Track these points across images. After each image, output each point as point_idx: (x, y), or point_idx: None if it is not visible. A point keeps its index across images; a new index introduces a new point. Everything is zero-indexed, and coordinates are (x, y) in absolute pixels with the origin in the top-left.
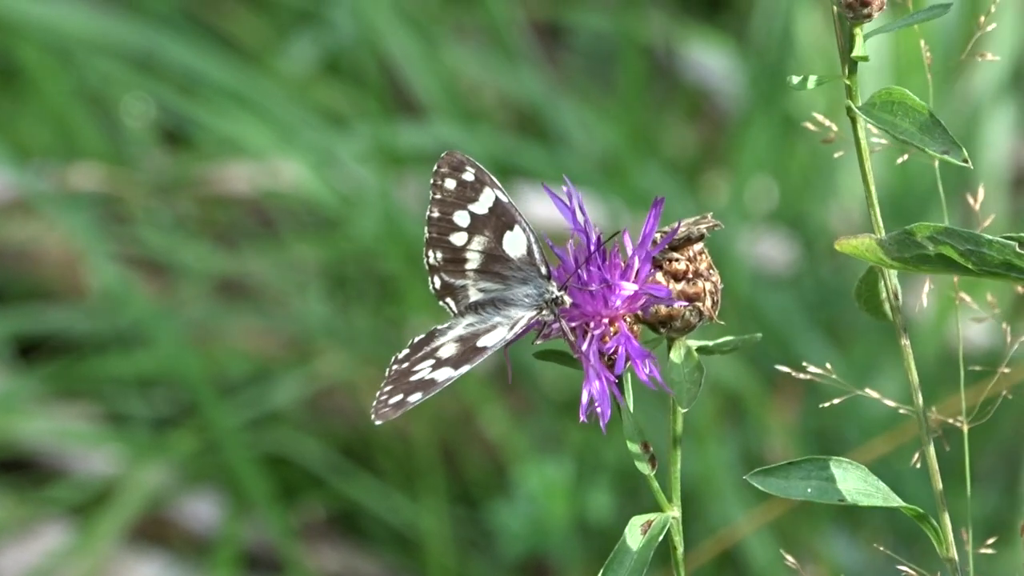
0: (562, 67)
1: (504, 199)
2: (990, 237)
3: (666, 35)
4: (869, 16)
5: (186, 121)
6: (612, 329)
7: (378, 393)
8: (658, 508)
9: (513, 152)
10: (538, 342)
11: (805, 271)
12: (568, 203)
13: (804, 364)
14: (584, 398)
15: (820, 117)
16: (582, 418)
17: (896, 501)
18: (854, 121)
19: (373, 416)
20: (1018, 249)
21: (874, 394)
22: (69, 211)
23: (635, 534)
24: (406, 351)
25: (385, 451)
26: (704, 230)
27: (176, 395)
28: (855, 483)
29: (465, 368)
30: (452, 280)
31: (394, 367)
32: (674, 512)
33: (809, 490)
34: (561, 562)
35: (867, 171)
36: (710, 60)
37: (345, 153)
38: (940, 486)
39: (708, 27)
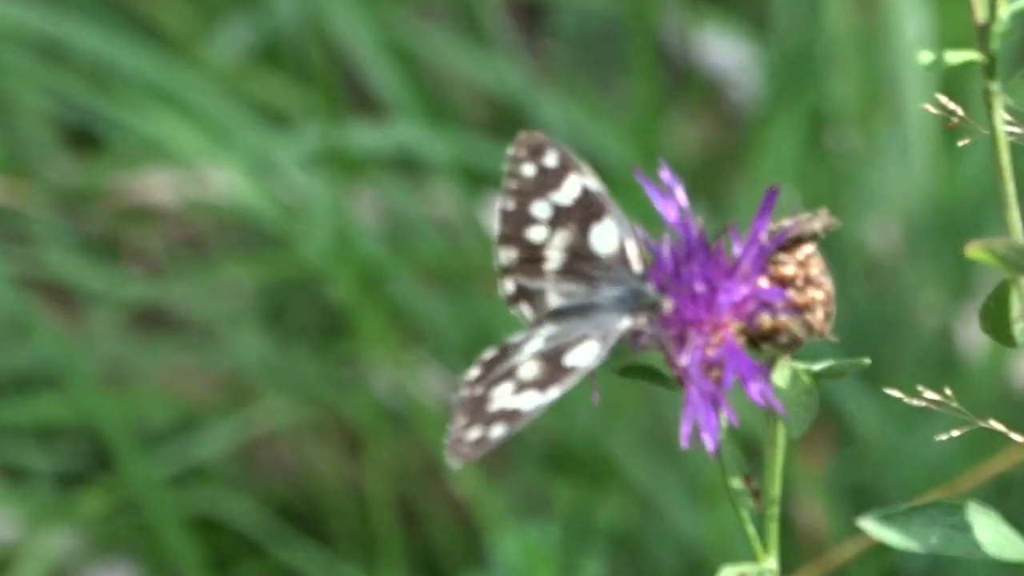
0: (544, 55)
1: (593, 187)
2: None
3: (673, 16)
4: None
5: (99, 121)
6: (715, 339)
7: (451, 428)
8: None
9: (490, 155)
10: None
11: (836, 295)
12: (665, 192)
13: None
14: (687, 421)
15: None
16: (684, 444)
17: None
18: (990, 106)
19: (449, 457)
20: None
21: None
22: None
23: None
24: (477, 372)
25: (334, 512)
26: (818, 229)
27: (86, 446)
28: (988, 533)
29: (555, 392)
30: (528, 283)
31: (465, 393)
32: (771, 563)
33: (934, 540)
34: None
35: (1004, 165)
36: (724, 47)
37: (288, 157)
38: None
39: (721, 10)
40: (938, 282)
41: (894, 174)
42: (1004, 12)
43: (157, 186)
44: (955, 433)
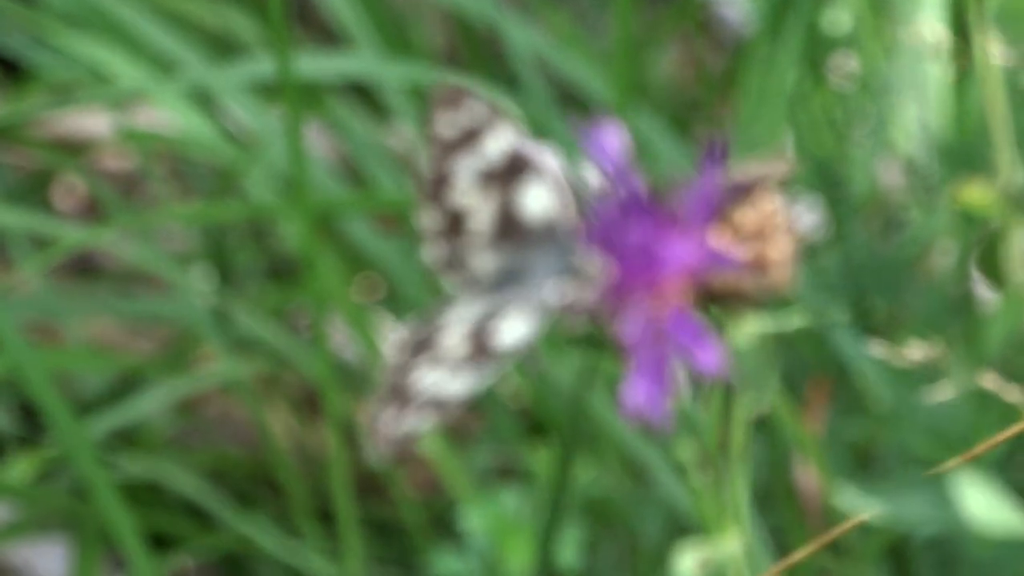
0: None
1: (522, 142)
2: None
3: None
4: None
5: (28, 49)
6: (661, 304)
7: (372, 417)
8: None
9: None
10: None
11: (835, 242)
12: (606, 142)
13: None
14: (632, 393)
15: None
16: (627, 419)
17: None
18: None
19: (373, 455)
20: None
21: None
22: None
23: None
24: (398, 352)
25: (288, 477)
26: (774, 177)
27: (13, 409)
28: (980, 508)
29: (486, 372)
30: (453, 249)
31: (389, 376)
32: (733, 543)
33: (919, 513)
34: None
35: (995, 99)
36: None
37: (235, 88)
38: None
39: None
40: (951, 222)
41: (901, 106)
42: None
43: (91, 119)
44: (955, 392)
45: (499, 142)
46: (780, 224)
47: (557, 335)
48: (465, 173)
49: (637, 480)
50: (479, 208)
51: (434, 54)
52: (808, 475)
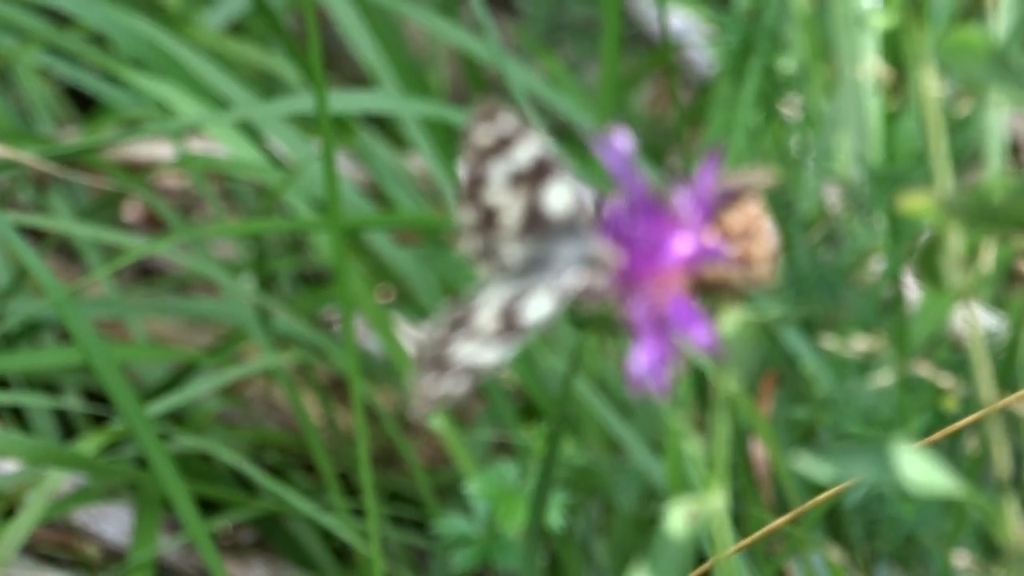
0: (519, 28)
1: (547, 150)
2: None
3: None
4: None
5: (103, 87)
6: (662, 290)
7: (414, 381)
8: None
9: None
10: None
11: (792, 248)
12: (616, 149)
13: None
14: (636, 366)
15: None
16: (632, 390)
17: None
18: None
19: (412, 412)
20: None
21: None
22: None
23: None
24: (437, 328)
25: (317, 449)
26: (759, 184)
27: (87, 393)
28: (914, 470)
29: (511, 345)
30: (487, 242)
31: (429, 348)
32: (717, 500)
33: (862, 474)
34: (516, 571)
35: (932, 123)
36: (687, 17)
37: (277, 120)
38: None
39: None
40: (886, 234)
41: (844, 135)
42: None
43: (155, 146)
44: (887, 380)
45: (527, 149)
46: (763, 226)
47: (572, 315)
48: (497, 176)
49: (614, 454)
50: (509, 205)
51: (446, 92)
52: (760, 450)
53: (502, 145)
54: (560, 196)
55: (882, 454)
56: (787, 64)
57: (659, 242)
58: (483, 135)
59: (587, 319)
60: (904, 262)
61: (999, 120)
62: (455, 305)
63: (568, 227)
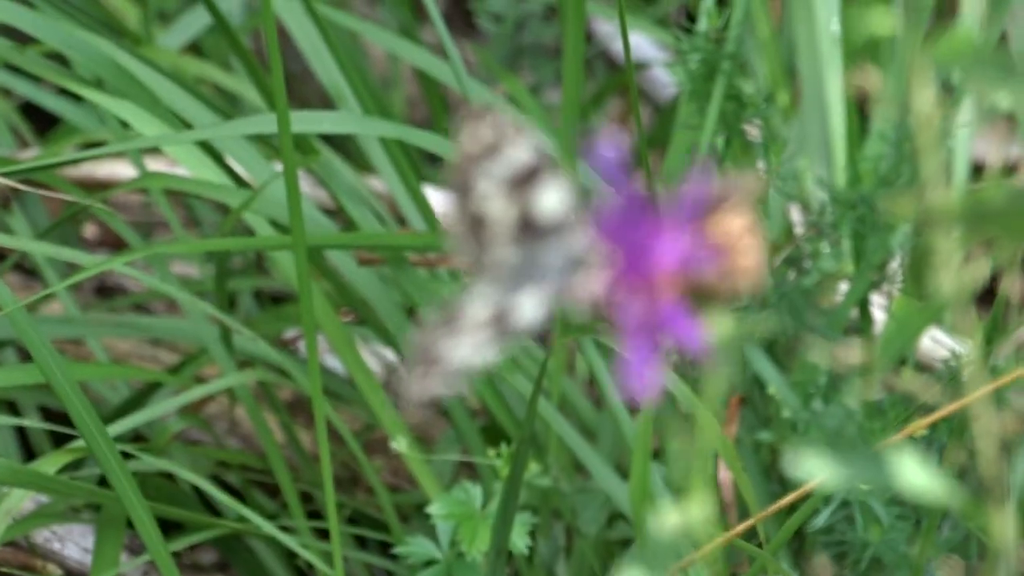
0: (481, 51)
1: (538, 152)
2: None
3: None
4: None
5: (63, 107)
6: (654, 294)
7: (407, 376)
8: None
9: (428, 142)
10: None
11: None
12: (607, 156)
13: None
14: (623, 374)
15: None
16: (619, 395)
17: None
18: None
19: (404, 404)
20: None
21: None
22: None
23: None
24: (430, 329)
25: (280, 468)
26: (745, 192)
27: (48, 412)
28: (915, 476)
29: (505, 346)
30: (476, 245)
31: (418, 347)
32: (700, 509)
33: (867, 478)
34: None
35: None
36: (649, 44)
37: (239, 140)
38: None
39: (648, 10)
40: (854, 257)
41: (808, 157)
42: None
43: (117, 165)
44: (855, 402)
45: (518, 153)
46: (751, 237)
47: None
48: (487, 181)
49: (578, 475)
50: (500, 210)
51: (407, 113)
52: (725, 471)
53: (493, 148)
54: (551, 200)
55: (878, 458)
56: (749, 86)
57: (651, 247)
58: (472, 138)
59: (576, 326)
60: (870, 284)
61: (964, 142)
62: (446, 308)
63: (558, 231)
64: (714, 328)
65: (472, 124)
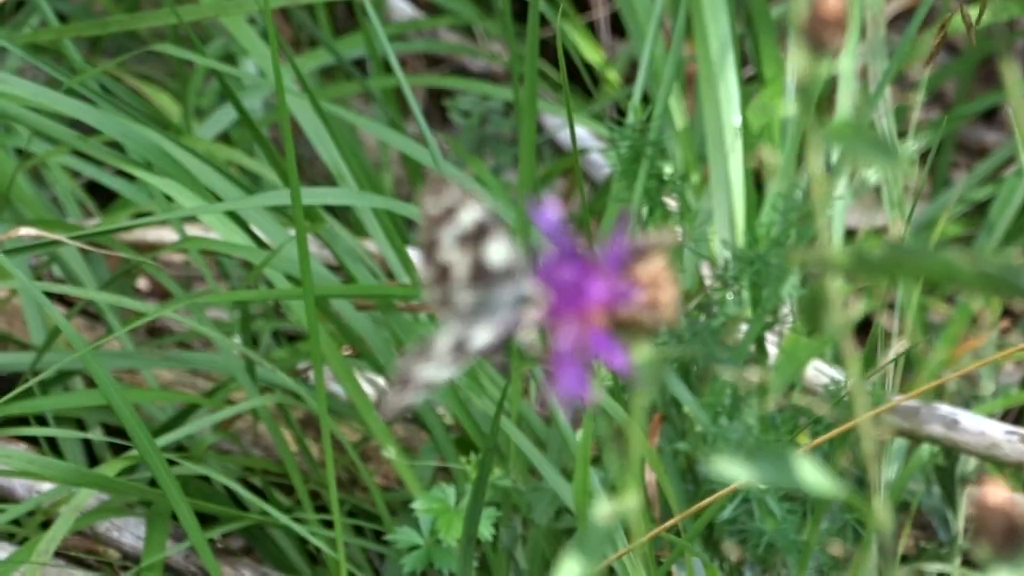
0: (451, 136)
1: (486, 213)
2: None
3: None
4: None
5: (119, 184)
6: (585, 326)
7: (385, 395)
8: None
9: (414, 213)
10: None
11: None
12: (547, 215)
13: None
14: (562, 387)
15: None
16: (560, 410)
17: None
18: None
19: (381, 415)
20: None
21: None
22: (12, 266)
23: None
24: (404, 360)
25: (293, 473)
26: (662, 243)
27: (108, 428)
28: (812, 475)
29: (462, 367)
30: (443, 292)
31: (396, 374)
32: (632, 501)
33: (768, 476)
34: (454, 573)
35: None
36: (586, 131)
37: (260, 210)
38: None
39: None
40: (752, 303)
41: (715, 224)
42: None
43: (161, 231)
44: (753, 418)
45: (470, 215)
46: (668, 276)
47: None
48: (447, 238)
49: (532, 477)
50: (458, 261)
51: (395, 189)
52: (650, 474)
53: (449, 213)
54: (499, 251)
55: (785, 460)
56: (668, 167)
57: (583, 288)
58: (433, 206)
59: (521, 352)
60: (764, 325)
61: (840, 209)
62: (420, 342)
63: (507, 277)
64: (637, 354)
65: (432, 192)
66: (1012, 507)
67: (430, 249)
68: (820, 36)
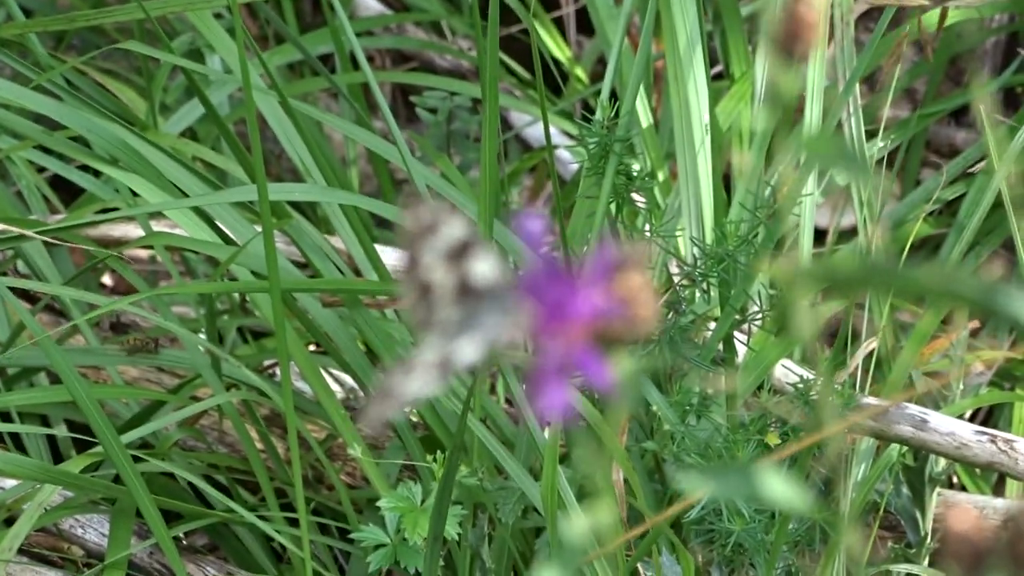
0: (419, 133)
1: (467, 231)
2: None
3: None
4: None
5: (84, 179)
6: (568, 340)
7: (367, 405)
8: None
9: (381, 209)
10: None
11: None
12: (530, 229)
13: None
14: (545, 399)
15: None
16: (538, 420)
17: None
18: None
19: (362, 424)
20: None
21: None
22: None
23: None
24: (389, 372)
25: (259, 470)
26: (639, 259)
27: (72, 424)
28: (778, 488)
29: (443, 379)
30: (425, 306)
31: (380, 385)
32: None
33: (723, 489)
34: (420, 572)
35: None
36: (556, 129)
37: (225, 206)
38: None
39: (558, 101)
40: (721, 301)
41: (683, 220)
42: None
43: (127, 227)
44: (721, 417)
45: (452, 231)
46: (646, 291)
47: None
48: (429, 255)
49: (499, 477)
50: (441, 278)
51: (361, 185)
52: (618, 473)
53: (430, 229)
54: (482, 268)
55: (749, 473)
56: (636, 164)
57: (565, 303)
58: (413, 223)
59: (504, 363)
60: (733, 324)
61: (810, 209)
62: (406, 356)
63: (491, 291)
64: (617, 365)
65: (413, 208)
66: (977, 532)
67: (412, 267)
68: (791, 43)
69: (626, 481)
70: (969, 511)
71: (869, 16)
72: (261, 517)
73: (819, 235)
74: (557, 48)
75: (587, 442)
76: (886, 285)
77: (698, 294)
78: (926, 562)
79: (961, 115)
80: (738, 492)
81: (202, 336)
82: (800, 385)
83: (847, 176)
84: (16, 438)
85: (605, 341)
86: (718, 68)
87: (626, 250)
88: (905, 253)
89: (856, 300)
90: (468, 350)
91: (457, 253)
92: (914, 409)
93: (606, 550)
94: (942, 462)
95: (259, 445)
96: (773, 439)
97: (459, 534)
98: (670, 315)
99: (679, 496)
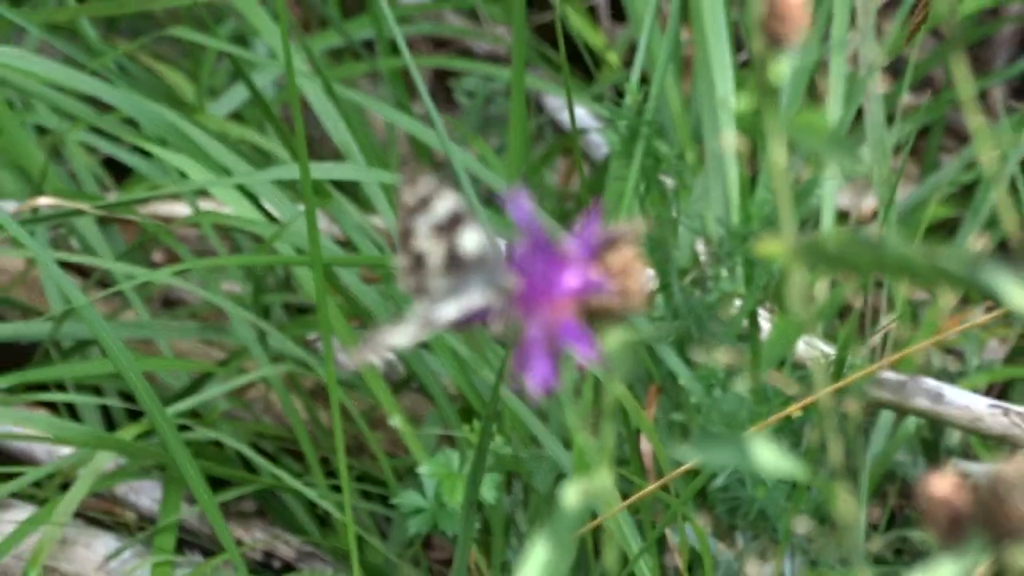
0: (456, 115)
1: (459, 204)
2: (888, 244)
3: (551, 88)
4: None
5: (134, 158)
6: (556, 314)
7: (356, 349)
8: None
9: None
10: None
11: (670, 286)
12: (520, 206)
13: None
14: (533, 374)
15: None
16: (531, 389)
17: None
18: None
19: (351, 363)
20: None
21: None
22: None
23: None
24: (380, 328)
25: (303, 439)
26: (631, 233)
27: (125, 395)
28: (768, 458)
29: (428, 332)
30: (419, 279)
31: (371, 334)
32: (605, 477)
33: (730, 461)
34: (457, 535)
35: (781, 190)
36: (586, 111)
37: (270, 185)
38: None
39: (587, 82)
40: (746, 279)
41: (710, 201)
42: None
43: (175, 205)
44: (746, 390)
45: (444, 205)
46: (637, 265)
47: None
48: (422, 227)
49: (533, 445)
50: (433, 250)
51: (402, 166)
52: (647, 444)
53: (424, 203)
54: (472, 240)
55: (741, 445)
56: (665, 147)
57: (553, 276)
58: (409, 196)
59: (495, 337)
60: (758, 301)
61: (831, 191)
62: (396, 314)
63: (480, 263)
64: (607, 338)
65: (409, 183)
66: (957, 497)
67: (405, 237)
68: (777, 30)
69: (655, 455)
70: (949, 476)
71: (892, 6)
72: (306, 483)
73: (842, 218)
74: (590, 34)
75: (616, 416)
76: (873, 264)
77: (724, 272)
78: None
79: (980, 102)
80: (728, 462)
81: (249, 312)
82: (822, 360)
83: (835, 161)
84: (71, 408)
85: (594, 316)
86: (746, 56)
87: (617, 225)
88: (920, 235)
89: (871, 279)
90: (449, 309)
91: (449, 225)
92: (930, 383)
93: (606, 515)
94: (957, 434)
95: (303, 416)
96: (795, 410)
97: (496, 498)
98: (697, 292)
99: (703, 467)
